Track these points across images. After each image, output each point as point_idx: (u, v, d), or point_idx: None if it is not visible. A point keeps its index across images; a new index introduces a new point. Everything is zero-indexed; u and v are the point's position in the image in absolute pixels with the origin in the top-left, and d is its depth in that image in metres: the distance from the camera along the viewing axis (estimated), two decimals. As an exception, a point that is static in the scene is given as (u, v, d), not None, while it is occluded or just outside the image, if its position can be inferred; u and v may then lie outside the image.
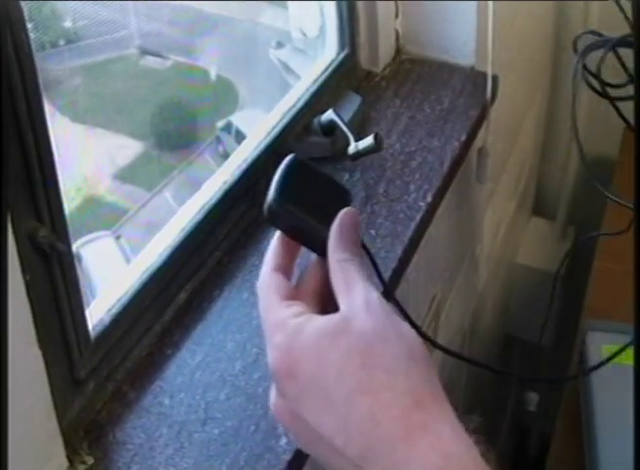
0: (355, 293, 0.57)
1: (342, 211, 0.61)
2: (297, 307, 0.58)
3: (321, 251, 0.60)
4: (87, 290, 0.86)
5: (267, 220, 0.61)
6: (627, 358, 1.26)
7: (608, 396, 1.23)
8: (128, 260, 1.01)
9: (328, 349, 0.55)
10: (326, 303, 0.59)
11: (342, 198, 0.63)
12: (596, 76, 1.14)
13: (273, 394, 0.58)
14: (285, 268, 0.61)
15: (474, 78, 1.25)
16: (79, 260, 0.99)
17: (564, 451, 1.30)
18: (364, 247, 0.63)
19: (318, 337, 0.55)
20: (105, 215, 1.17)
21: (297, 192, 0.61)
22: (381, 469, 0.52)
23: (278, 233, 0.61)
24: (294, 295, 0.59)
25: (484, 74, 1.22)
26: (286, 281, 0.60)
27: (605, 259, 1.64)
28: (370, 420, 0.52)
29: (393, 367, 0.54)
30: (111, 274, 0.95)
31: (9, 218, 0.58)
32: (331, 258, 0.59)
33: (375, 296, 0.57)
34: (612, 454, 1.14)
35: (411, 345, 0.55)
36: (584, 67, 1.14)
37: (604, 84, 1.13)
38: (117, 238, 1.13)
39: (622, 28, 1.15)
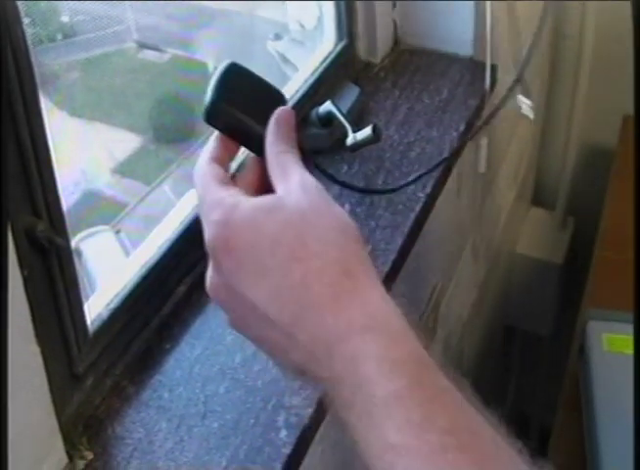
0: (292, 177, 0.60)
1: (279, 109, 0.63)
2: (234, 190, 0.60)
3: (258, 150, 0.62)
4: (87, 285, 0.86)
5: (206, 121, 0.63)
6: (629, 348, 1.26)
7: (608, 385, 1.23)
8: (128, 254, 1.01)
9: (264, 221, 0.57)
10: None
11: (278, 99, 0.65)
12: None
13: (209, 273, 0.60)
14: (222, 162, 0.63)
15: (472, 68, 1.24)
16: (79, 255, 0.99)
17: (564, 441, 1.30)
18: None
19: (254, 211, 0.57)
20: (104, 210, 1.17)
21: (233, 94, 0.64)
22: (310, 334, 0.55)
23: (216, 133, 0.64)
24: (231, 184, 0.61)
25: (483, 64, 1.22)
26: (223, 170, 0.62)
27: (605, 249, 1.64)
28: (301, 286, 0.55)
29: (326, 238, 0.57)
30: (110, 269, 0.95)
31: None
32: (269, 152, 0.62)
33: (311, 179, 0.60)
34: (612, 444, 1.14)
35: (344, 221, 0.58)
36: None
37: None
38: (117, 232, 1.12)
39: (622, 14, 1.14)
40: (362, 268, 0.57)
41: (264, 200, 0.58)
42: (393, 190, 1.01)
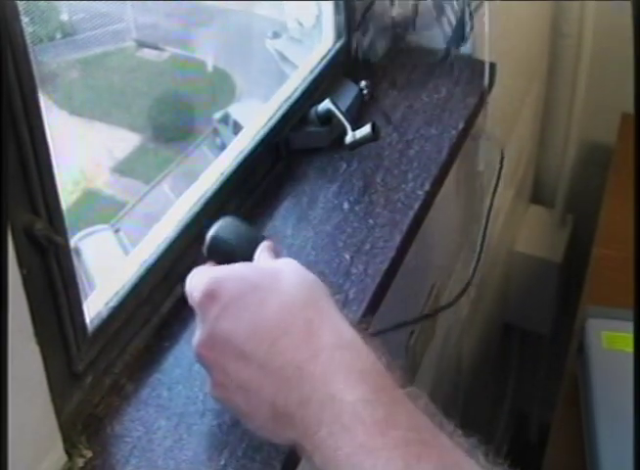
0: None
1: (265, 241, 0.79)
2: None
3: None
4: (86, 284, 0.86)
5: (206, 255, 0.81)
6: (627, 345, 1.26)
7: (607, 382, 1.23)
8: (127, 254, 1.01)
9: (246, 272, 0.70)
10: None
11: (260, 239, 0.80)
12: None
13: (197, 333, 0.68)
14: None
15: (471, 66, 1.25)
16: (78, 254, 0.99)
17: (563, 438, 1.30)
18: None
19: (238, 265, 0.72)
20: (103, 209, 1.17)
21: (227, 237, 0.81)
22: (282, 360, 0.63)
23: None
24: None
25: (482, 62, 1.22)
26: None
27: (604, 246, 1.64)
28: (275, 318, 0.65)
29: (296, 282, 0.69)
30: (109, 267, 0.95)
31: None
32: (257, 257, 0.77)
33: (294, 263, 0.72)
34: (611, 441, 1.14)
35: (311, 276, 0.70)
36: None
37: None
38: (116, 231, 1.12)
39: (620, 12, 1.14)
40: (329, 305, 0.68)
41: (246, 264, 0.75)
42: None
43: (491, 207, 1.01)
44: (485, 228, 1.03)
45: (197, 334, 0.68)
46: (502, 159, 1.00)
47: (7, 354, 0.58)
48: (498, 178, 1.01)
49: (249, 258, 0.77)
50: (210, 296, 0.67)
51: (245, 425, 0.68)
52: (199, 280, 0.70)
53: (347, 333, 0.65)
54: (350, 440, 0.58)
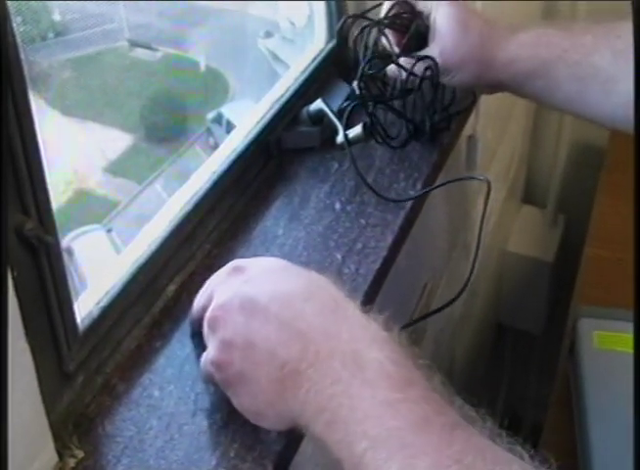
0: None
1: None
2: None
3: None
4: (79, 284, 0.85)
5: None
6: (619, 345, 1.27)
7: (599, 382, 1.23)
8: (119, 253, 1.01)
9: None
10: None
11: None
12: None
13: (212, 348, 0.68)
14: None
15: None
16: (70, 255, 0.99)
17: (555, 438, 1.30)
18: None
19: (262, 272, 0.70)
20: (95, 209, 1.17)
21: None
22: (309, 323, 0.63)
23: None
24: None
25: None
26: None
27: (596, 246, 1.64)
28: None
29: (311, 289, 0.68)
30: (102, 268, 0.95)
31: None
32: None
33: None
34: (603, 441, 1.14)
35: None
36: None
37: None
38: (108, 231, 1.12)
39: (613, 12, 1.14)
40: (348, 300, 0.67)
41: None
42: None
43: (485, 212, 1.02)
44: (479, 236, 1.03)
45: (212, 347, 0.69)
46: (489, 190, 1.01)
47: (7, 355, 0.58)
48: (488, 194, 1.01)
49: None
50: (238, 268, 0.69)
51: (238, 398, 0.68)
52: (223, 268, 0.73)
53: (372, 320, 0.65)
54: (371, 395, 0.58)
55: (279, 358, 0.62)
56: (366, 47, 1.01)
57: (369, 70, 1.02)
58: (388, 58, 1.04)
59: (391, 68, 1.04)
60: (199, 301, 0.76)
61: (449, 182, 1.06)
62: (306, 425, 0.62)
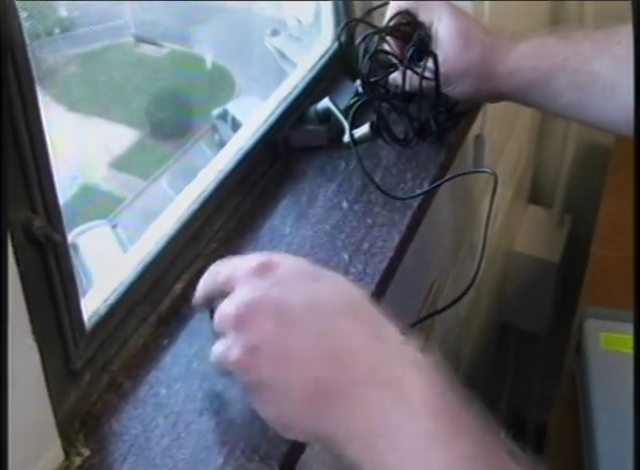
0: None
1: None
2: None
3: None
4: (84, 280, 0.85)
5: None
6: (626, 346, 1.26)
7: (605, 383, 1.23)
8: (125, 250, 1.01)
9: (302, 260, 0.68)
10: None
11: None
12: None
13: (233, 299, 0.65)
14: None
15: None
16: (76, 250, 0.98)
17: (560, 439, 1.30)
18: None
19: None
20: (101, 204, 1.17)
21: None
22: (345, 336, 0.61)
23: None
24: None
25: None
26: None
27: (602, 247, 1.64)
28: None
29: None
30: (107, 264, 0.95)
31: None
32: None
33: None
34: (609, 442, 1.14)
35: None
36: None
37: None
38: (114, 227, 1.12)
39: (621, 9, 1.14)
40: (386, 320, 0.63)
41: None
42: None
43: (490, 212, 1.01)
44: (486, 233, 1.03)
45: (235, 297, 0.65)
46: (495, 183, 1.01)
47: (7, 354, 0.58)
48: (493, 195, 1.01)
49: None
50: (264, 266, 0.64)
51: (262, 404, 0.64)
52: (248, 258, 0.67)
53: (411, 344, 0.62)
54: (413, 427, 0.56)
55: (314, 373, 0.60)
56: (367, 53, 1.01)
57: (371, 76, 1.02)
58: (390, 67, 1.04)
59: (394, 76, 1.04)
60: (208, 284, 0.71)
61: (455, 176, 1.05)
62: (338, 446, 0.59)
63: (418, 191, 1.01)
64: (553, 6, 1.92)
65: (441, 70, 0.98)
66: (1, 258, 0.57)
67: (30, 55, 0.59)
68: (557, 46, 0.96)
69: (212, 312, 0.71)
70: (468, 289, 0.95)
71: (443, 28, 0.99)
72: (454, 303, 0.96)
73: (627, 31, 0.84)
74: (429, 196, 1.02)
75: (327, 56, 1.16)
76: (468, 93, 1.01)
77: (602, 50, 0.93)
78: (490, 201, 1.01)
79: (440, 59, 0.99)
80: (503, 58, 0.98)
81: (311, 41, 1.22)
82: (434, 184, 1.01)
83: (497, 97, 1.04)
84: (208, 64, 1.35)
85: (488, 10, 1.23)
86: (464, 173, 1.06)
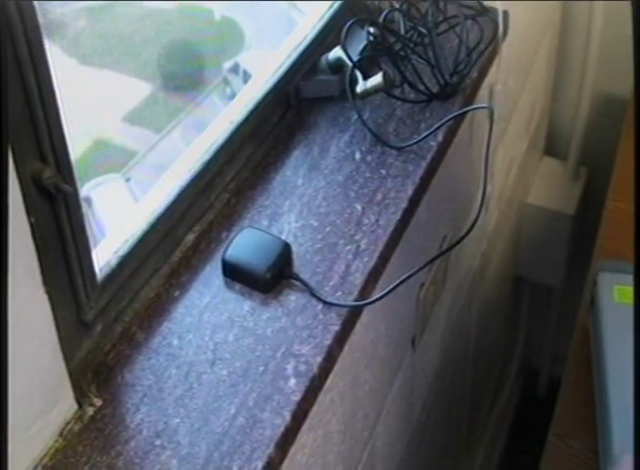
0: None
1: None
2: None
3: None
4: (97, 233, 0.85)
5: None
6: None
7: (618, 336, 1.22)
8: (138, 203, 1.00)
9: None
10: None
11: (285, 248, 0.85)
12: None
13: None
14: None
15: (484, 14, 1.22)
16: (89, 203, 0.98)
17: (573, 392, 1.30)
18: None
19: None
20: (114, 158, 1.16)
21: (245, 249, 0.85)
22: None
23: None
24: None
25: (495, 10, 1.20)
26: None
27: (617, 200, 1.62)
28: None
29: None
30: (121, 217, 0.95)
31: (12, 160, 0.58)
32: None
33: None
34: (622, 394, 1.14)
35: None
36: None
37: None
38: (127, 181, 1.12)
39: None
40: None
41: None
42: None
43: (488, 149, 1.00)
44: (486, 171, 1.01)
45: None
46: (492, 120, 1.00)
47: (7, 335, 0.58)
48: (490, 130, 1.00)
49: (267, 269, 0.81)
50: None
51: None
52: None
53: None
54: None
55: None
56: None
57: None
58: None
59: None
60: None
61: (452, 118, 1.03)
62: None
63: (432, 143, 1.00)
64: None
65: None
66: (0, 210, 0.57)
67: (37, 7, 0.59)
68: None
69: (224, 264, 0.71)
70: (469, 231, 0.94)
71: None
72: (457, 243, 0.95)
73: None
74: (443, 147, 1.02)
75: (337, 4, 1.15)
76: None
77: None
78: (488, 137, 1.00)
79: None
80: None
81: (322, -11, 1.21)
82: (432, 129, 1.00)
83: None
84: (217, 16, 1.33)
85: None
86: (460, 113, 1.04)
